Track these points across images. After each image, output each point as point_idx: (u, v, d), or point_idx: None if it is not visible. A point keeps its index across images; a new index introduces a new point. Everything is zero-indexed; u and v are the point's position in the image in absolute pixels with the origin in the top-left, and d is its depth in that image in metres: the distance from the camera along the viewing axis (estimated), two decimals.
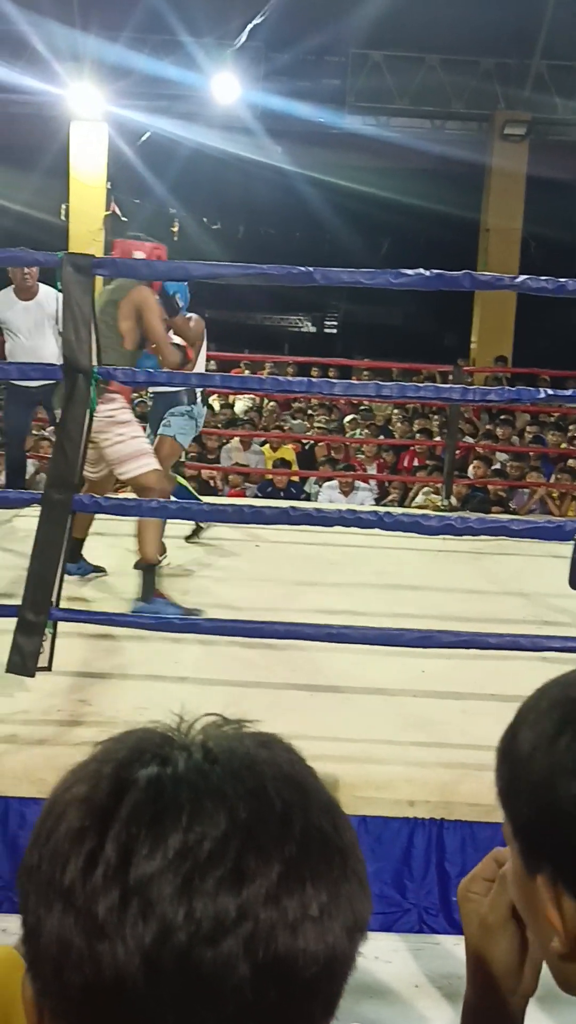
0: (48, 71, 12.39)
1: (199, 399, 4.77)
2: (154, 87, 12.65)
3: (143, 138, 13.23)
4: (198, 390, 4.70)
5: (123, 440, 3.57)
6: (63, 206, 13.74)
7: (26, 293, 5.65)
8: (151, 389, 4.72)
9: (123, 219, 13.95)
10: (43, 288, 5.62)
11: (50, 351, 5.30)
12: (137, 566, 3.83)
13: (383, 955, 2.11)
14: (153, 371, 2.88)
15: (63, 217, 13.78)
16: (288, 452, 9.50)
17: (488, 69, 12.88)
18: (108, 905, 0.50)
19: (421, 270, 2.66)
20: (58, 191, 13.80)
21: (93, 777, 0.55)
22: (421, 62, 12.74)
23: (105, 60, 12.52)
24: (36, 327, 5.61)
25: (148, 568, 3.80)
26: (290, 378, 2.91)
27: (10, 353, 5.69)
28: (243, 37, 9.99)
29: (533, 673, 2.85)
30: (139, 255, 3.63)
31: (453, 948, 2.30)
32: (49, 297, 5.46)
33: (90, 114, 13.19)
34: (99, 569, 4.37)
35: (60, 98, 12.90)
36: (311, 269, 2.70)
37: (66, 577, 3.24)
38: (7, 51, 12.27)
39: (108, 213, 13.59)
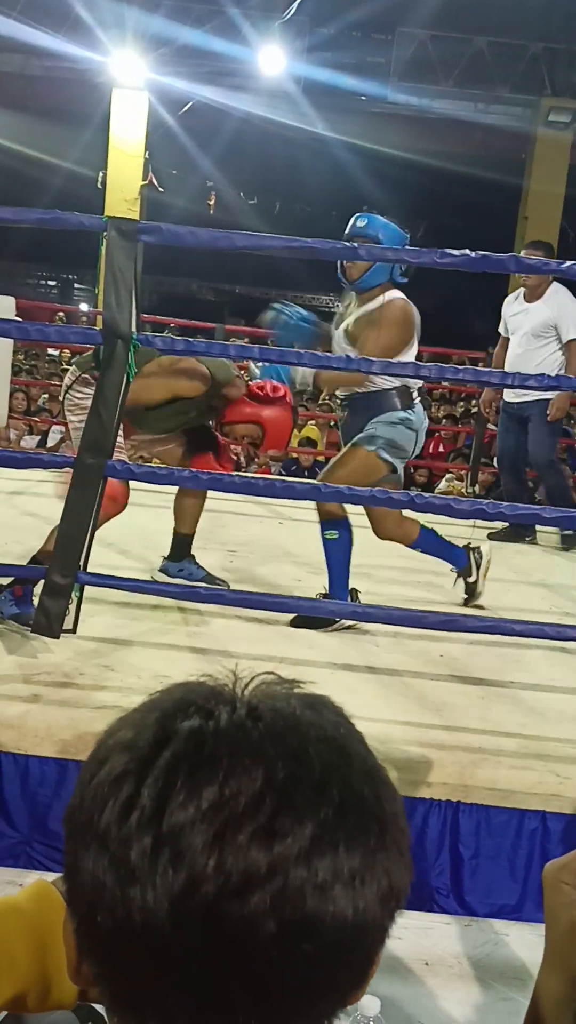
0: (91, 38, 12.34)
1: (417, 401, 3.57)
2: (196, 57, 12.58)
3: (185, 108, 13.15)
4: (416, 388, 3.54)
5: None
6: (101, 173, 13.70)
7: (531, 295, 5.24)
8: (341, 392, 3.57)
9: (160, 190, 13.87)
10: (554, 293, 5.18)
11: (538, 364, 5.02)
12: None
13: (394, 931, 2.12)
14: (193, 340, 2.86)
15: (100, 185, 13.75)
16: (314, 431, 9.47)
17: (536, 53, 12.71)
18: (140, 850, 0.51)
19: (467, 251, 2.64)
20: (102, 154, 13.80)
21: (138, 725, 0.56)
22: (468, 43, 12.59)
23: (148, 28, 12.45)
24: (533, 334, 5.20)
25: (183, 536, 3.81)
26: (329, 354, 2.89)
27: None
28: (292, 10, 9.88)
29: (550, 662, 2.84)
30: None
31: (464, 929, 2.32)
32: (559, 304, 5.13)
33: (131, 82, 13.13)
34: (214, 580, 3.79)
35: (103, 64, 12.85)
36: (356, 245, 2.68)
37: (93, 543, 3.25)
38: (51, 18, 12.24)
39: (145, 183, 13.62)
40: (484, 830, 2.48)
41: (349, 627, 3.47)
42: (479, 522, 5.35)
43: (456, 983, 2.09)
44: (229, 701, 0.57)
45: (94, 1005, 0.89)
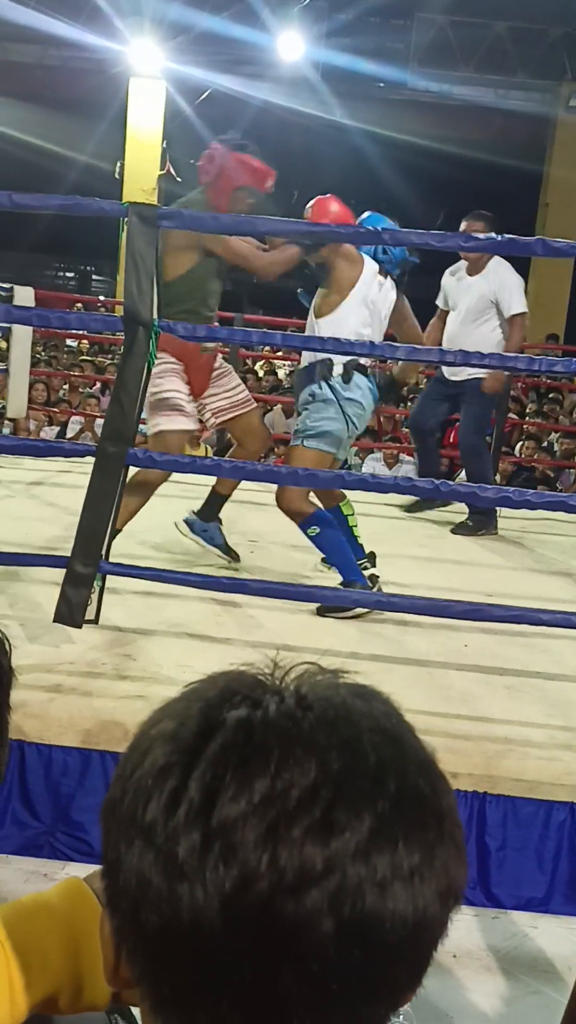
0: (109, 27, 12.31)
1: (352, 372, 3.30)
2: (214, 44, 12.52)
3: (203, 96, 13.10)
4: (340, 359, 3.27)
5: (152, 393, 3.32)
6: (118, 163, 13.68)
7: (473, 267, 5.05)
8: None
9: (178, 179, 13.86)
10: (495, 267, 4.98)
11: (479, 341, 4.74)
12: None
13: None
14: (218, 327, 2.83)
15: (117, 175, 13.73)
16: None
17: (556, 38, 12.57)
18: (189, 846, 0.48)
19: (493, 234, 2.59)
20: (119, 146, 13.78)
21: (181, 715, 0.53)
22: (487, 28, 12.46)
23: (165, 16, 12.41)
24: (473, 310, 5.05)
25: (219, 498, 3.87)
26: (351, 340, 2.84)
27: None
28: None
29: None
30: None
31: (492, 922, 2.29)
32: (499, 279, 4.96)
33: (149, 71, 13.09)
34: (230, 550, 3.89)
35: (121, 54, 12.82)
36: (379, 229, 2.64)
37: (119, 532, 3.24)
38: (69, 7, 12.22)
39: (163, 173, 13.56)
40: (511, 821, 2.45)
41: (366, 612, 3.45)
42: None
43: (484, 976, 2.07)
44: (276, 690, 0.54)
45: (128, 1007, 0.87)
